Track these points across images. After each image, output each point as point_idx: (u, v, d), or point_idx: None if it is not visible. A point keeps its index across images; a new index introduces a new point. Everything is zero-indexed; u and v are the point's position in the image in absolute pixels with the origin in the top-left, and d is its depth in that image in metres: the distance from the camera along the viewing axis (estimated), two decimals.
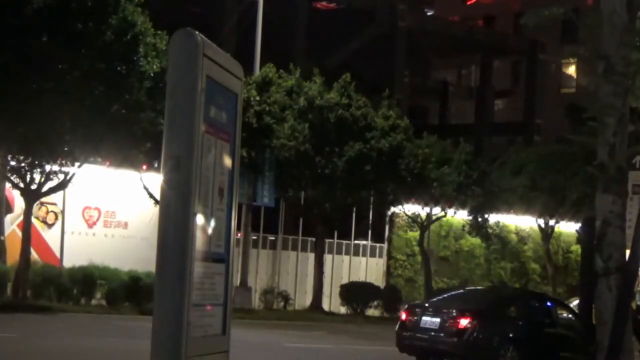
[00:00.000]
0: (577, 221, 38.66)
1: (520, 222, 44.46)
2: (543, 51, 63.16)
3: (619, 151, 12.05)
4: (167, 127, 4.90)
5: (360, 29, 51.59)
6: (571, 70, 66.38)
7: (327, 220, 35.85)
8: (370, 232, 40.28)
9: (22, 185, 27.45)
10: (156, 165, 28.53)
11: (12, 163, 27.33)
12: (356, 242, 40.09)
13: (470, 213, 39.69)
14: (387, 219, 40.98)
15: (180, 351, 4.76)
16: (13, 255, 28.25)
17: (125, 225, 33.48)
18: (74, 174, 27.75)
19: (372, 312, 37.53)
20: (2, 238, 28.92)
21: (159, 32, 26.81)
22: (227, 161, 5.35)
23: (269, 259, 37.60)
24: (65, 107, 25.49)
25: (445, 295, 22.08)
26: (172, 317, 4.78)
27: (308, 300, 36.75)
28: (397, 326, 19.98)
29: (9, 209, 30.17)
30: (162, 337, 4.81)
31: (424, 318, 19.19)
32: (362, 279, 39.38)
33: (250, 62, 33.77)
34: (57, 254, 31.85)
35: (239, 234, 33.17)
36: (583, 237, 19.23)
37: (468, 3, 71.53)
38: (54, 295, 28.42)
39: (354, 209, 37.67)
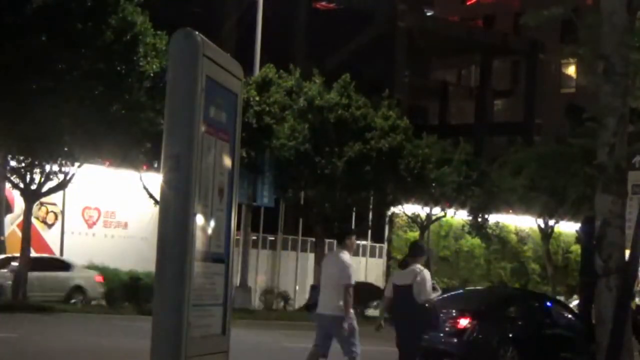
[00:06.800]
0: (577, 221, 38.69)
1: (520, 222, 44.46)
2: (543, 51, 63.16)
3: (618, 151, 12.04)
4: (167, 127, 4.90)
5: (360, 29, 51.58)
6: (571, 70, 66.36)
7: (327, 221, 35.84)
8: (370, 232, 40.28)
9: (22, 185, 27.45)
10: (156, 165, 28.53)
11: (12, 163, 27.33)
12: (356, 242, 40.08)
13: (470, 213, 39.70)
14: (387, 219, 40.98)
15: (180, 351, 4.76)
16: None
17: (125, 225, 33.50)
18: (73, 174, 27.74)
19: (372, 312, 37.51)
20: (2, 238, 28.93)
21: (159, 32, 26.81)
22: (227, 161, 5.35)
23: (268, 259, 37.61)
24: (65, 107, 25.49)
25: (445, 295, 22.07)
26: (172, 317, 4.78)
27: None
28: None
29: (9, 209, 30.19)
30: (162, 337, 4.81)
31: None
32: (362, 279, 39.37)
33: (250, 62, 33.76)
34: (57, 254, 31.85)
35: (239, 234, 33.18)
36: (582, 237, 19.23)
37: (468, 3, 71.52)
38: None
39: (354, 209, 37.67)
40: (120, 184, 32.27)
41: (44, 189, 27.74)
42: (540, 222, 42.30)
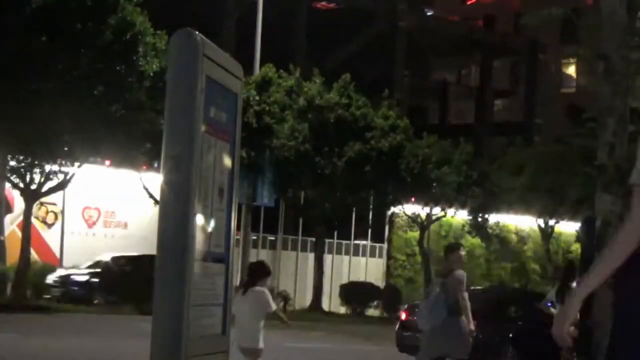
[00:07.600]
0: (577, 221, 38.68)
1: (520, 222, 44.45)
2: (543, 51, 63.16)
3: (618, 151, 12.05)
4: (167, 127, 4.89)
5: (360, 29, 51.58)
6: (571, 70, 66.37)
7: (327, 220, 35.85)
8: (370, 232, 40.28)
9: (22, 185, 27.46)
10: (156, 165, 28.53)
11: (12, 163, 27.34)
12: (356, 242, 40.09)
13: (470, 213, 39.69)
14: (387, 219, 40.98)
15: (180, 351, 4.76)
16: (13, 255, 28.26)
17: (125, 225, 33.50)
18: (73, 174, 27.76)
19: (372, 312, 37.52)
20: (2, 238, 28.93)
21: (159, 31, 26.83)
22: (227, 161, 5.35)
23: (268, 259, 37.59)
24: (65, 107, 25.51)
25: None
26: (172, 317, 4.78)
27: (308, 300, 36.74)
28: (397, 326, 19.98)
29: (9, 209, 30.18)
30: (162, 337, 4.81)
31: None
32: (362, 279, 39.37)
33: (250, 62, 33.74)
34: (57, 254, 31.86)
35: (239, 234, 33.17)
36: (582, 237, 19.24)
37: (468, 3, 71.52)
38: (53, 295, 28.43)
39: (354, 209, 37.66)
40: (120, 184, 32.27)
41: (44, 189, 27.75)
42: (541, 222, 42.30)
